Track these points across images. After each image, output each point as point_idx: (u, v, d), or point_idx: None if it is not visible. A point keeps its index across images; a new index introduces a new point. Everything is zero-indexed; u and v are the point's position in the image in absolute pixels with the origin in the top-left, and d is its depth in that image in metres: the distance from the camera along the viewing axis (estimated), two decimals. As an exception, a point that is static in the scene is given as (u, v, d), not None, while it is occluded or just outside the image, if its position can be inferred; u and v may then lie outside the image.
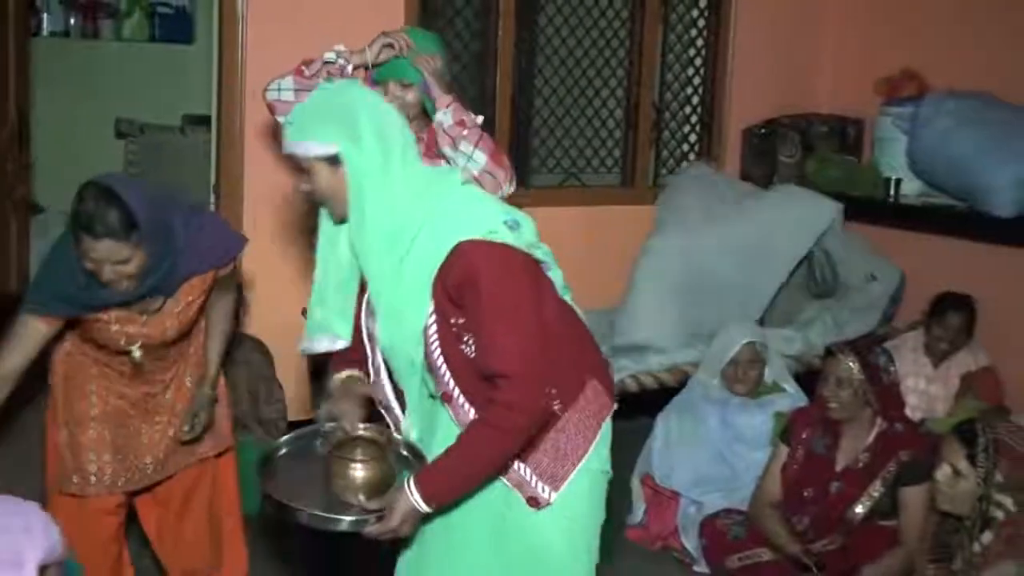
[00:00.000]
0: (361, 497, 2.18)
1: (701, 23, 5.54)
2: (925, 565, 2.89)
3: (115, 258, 2.59)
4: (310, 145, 2.18)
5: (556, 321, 2.27)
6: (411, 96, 3.23)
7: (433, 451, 2.26)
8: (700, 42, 5.55)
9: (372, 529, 2.17)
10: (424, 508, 2.16)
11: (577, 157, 5.39)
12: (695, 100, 5.61)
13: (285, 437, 2.45)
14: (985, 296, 4.47)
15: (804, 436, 3.52)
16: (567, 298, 2.37)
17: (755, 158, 5.52)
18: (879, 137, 5.32)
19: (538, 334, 2.16)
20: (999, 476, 2.63)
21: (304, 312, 2.55)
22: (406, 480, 2.16)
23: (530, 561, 2.32)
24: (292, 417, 4.34)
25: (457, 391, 2.24)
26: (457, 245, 2.12)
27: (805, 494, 3.48)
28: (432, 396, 2.30)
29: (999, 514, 2.65)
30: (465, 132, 3.15)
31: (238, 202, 4.46)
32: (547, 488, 2.28)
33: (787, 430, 3.58)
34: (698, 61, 5.57)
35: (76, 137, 6.76)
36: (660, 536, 4.02)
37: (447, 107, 3.17)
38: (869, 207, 5.22)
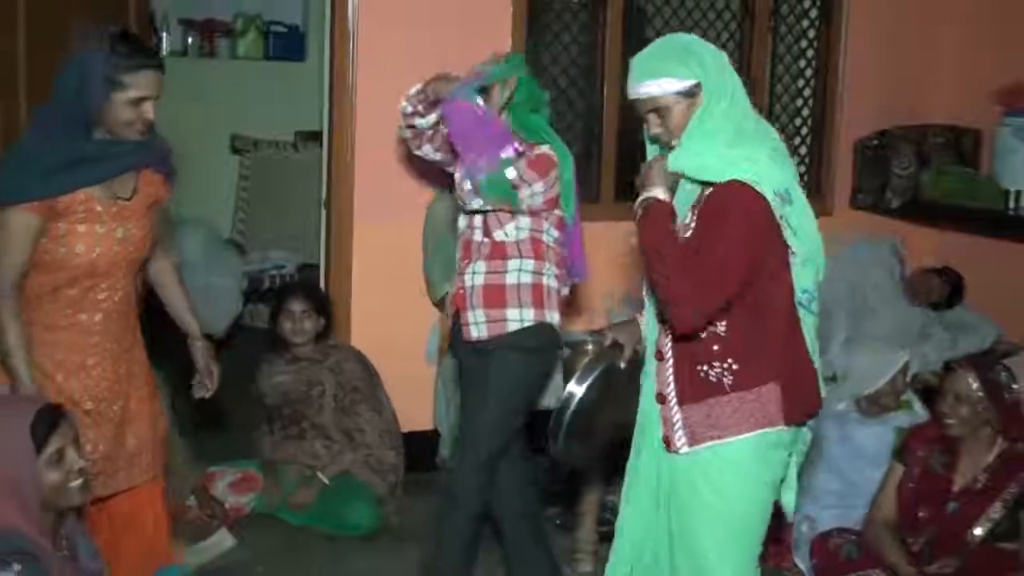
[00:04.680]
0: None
1: (812, 33, 5.46)
2: (1049, 590, 2.80)
3: (160, 94, 2.73)
4: (667, 81, 2.44)
5: (774, 306, 2.45)
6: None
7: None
8: (811, 53, 5.46)
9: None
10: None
11: (685, 170, 5.34)
12: (805, 112, 5.52)
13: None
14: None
15: (921, 454, 3.43)
16: (810, 308, 2.50)
17: (867, 171, 5.41)
18: (998, 148, 5.17)
19: (726, 278, 2.36)
20: None
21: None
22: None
23: (676, 499, 2.57)
24: (409, 429, 4.40)
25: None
26: (728, 181, 2.38)
27: (921, 514, 3.39)
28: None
29: None
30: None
31: (348, 217, 4.52)
32: (684, 438, 2.51)
33: (904, 448, 3.50)
34: (808, 72, 5.48)
35: (193, 152, 6.88)
36: (771, 554, 3.95)
37: None
38: (989, 220, 5.08)
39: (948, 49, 5.56)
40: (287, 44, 7.37)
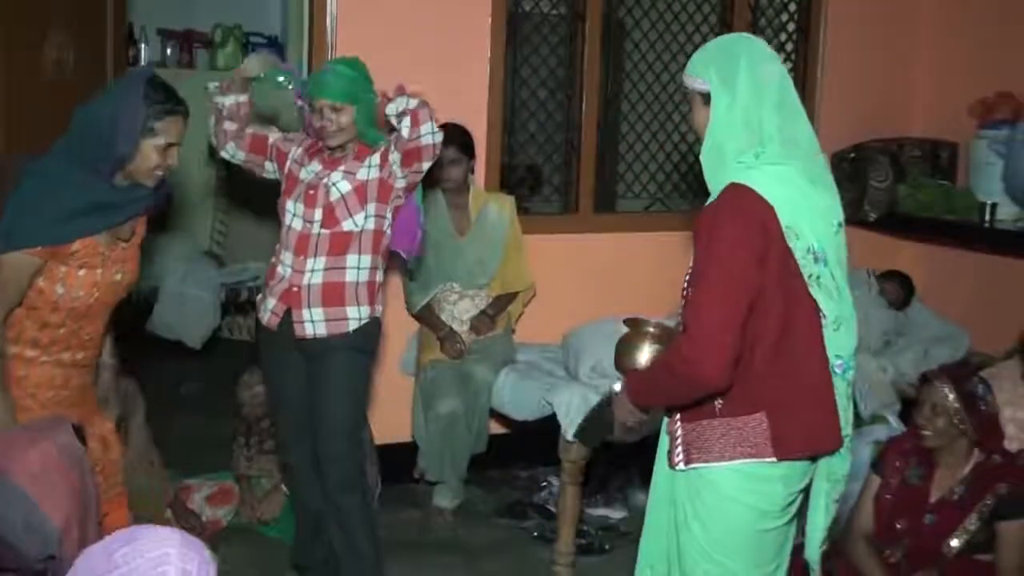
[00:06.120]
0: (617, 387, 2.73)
1: (790, 47, 5.50)
2: (1024, 602, 2.81)
3: (183, 139, 2.72)
4: (693, 79, 2.45)
5: (780, 329, 2.35)
6: (344, 118, 3.31)
7: None
8: (788, 66, 5.50)
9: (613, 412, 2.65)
10: (630, 401, 2.56)
11: (663, 182, 5.37)
12: (783, 124, 5.54)
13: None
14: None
15: (897, 466, 3.44)
16: (844, 376, 2.44)
17: (845, 183, 5.42)
18: (974, 161, 5.22)
19: (735, 297, 2.27)
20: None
21: None
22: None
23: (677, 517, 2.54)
24: (386, 441, 4.37)
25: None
26: (725, 187, 2.35)
27: (898, 526, 3.39)
28: None
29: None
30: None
31: (327, 227, 4.51)
32: (681, 454, 2.48)
33: (880, 459, 3.51)
34: (786, 85, 5.51)
35: (170, 164, 6.89)
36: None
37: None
38: (964, 232, 5.12)
39: (924, 63, 5.61)
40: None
